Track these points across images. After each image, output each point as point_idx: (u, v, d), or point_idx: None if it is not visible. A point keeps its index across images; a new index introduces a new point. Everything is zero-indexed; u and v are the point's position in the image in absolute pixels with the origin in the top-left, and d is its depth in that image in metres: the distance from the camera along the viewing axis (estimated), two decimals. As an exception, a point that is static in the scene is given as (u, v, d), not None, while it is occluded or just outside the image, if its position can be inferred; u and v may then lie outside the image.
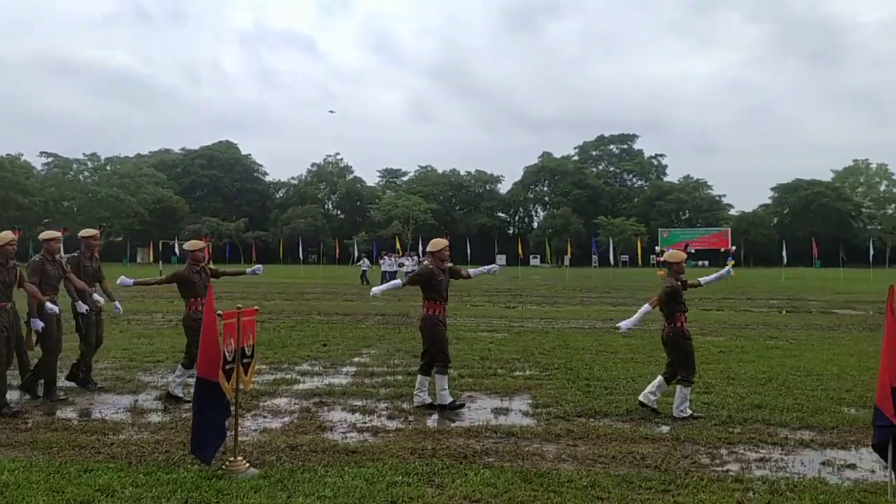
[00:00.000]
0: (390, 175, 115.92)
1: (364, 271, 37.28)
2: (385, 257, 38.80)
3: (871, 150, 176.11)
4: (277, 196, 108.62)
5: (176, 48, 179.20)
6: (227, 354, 5.37)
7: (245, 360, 5.60)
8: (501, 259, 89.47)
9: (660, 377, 7.45)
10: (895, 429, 4.72)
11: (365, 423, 6.97)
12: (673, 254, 7.61)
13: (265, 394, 8.23)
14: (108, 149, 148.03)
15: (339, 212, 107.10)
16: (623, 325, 7.56)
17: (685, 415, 7.11)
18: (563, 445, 6.17)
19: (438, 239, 8.06)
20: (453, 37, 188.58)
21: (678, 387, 7.24)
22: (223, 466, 5.33)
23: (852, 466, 5.62)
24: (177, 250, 55.50)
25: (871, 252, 53.89)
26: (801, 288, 34.68)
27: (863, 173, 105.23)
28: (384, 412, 7.40)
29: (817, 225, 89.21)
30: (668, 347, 7.44)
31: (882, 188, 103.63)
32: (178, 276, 8.15)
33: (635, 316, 7.48)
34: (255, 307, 5.93)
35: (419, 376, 7.77)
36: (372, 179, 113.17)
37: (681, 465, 5.61)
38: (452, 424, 6.95)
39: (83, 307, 8.27)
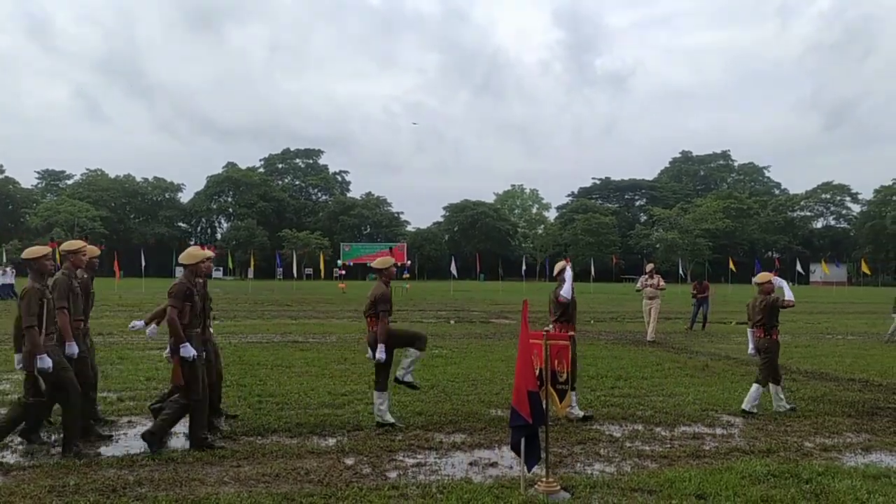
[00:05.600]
0: (52, 177, 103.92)
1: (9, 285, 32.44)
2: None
3: (525, 176, 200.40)
4: None
5: None
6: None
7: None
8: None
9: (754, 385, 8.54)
10: (530, 427, 5.33)
11: (-5, 461, 6.07)
12: (763, 275, 8.72)
13: None
14: None
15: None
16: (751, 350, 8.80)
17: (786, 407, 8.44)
18: (226, 467, 5.95)
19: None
20: (121, 28, 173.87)
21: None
22: None
23: (494, 464, 6.21)
24: None
25: (524, 267, 61.53)
26: (467, 299, 37.97)
27: (518, 196, 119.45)
28: (20, 446, 6.51)
29: (482, 241, 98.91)
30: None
31: (534, 210, 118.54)
32: None
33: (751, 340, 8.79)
34: None
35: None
36: (29, 181, 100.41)
37: (343, 476, 5.74)
38: (104, 455, 6.35)
39: None
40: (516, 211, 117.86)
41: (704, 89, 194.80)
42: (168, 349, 6.79)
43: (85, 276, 7.35)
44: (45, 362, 6.08)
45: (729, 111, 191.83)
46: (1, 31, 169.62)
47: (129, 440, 6.91)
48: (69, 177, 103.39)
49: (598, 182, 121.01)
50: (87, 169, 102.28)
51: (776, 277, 8.73)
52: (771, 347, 8.57)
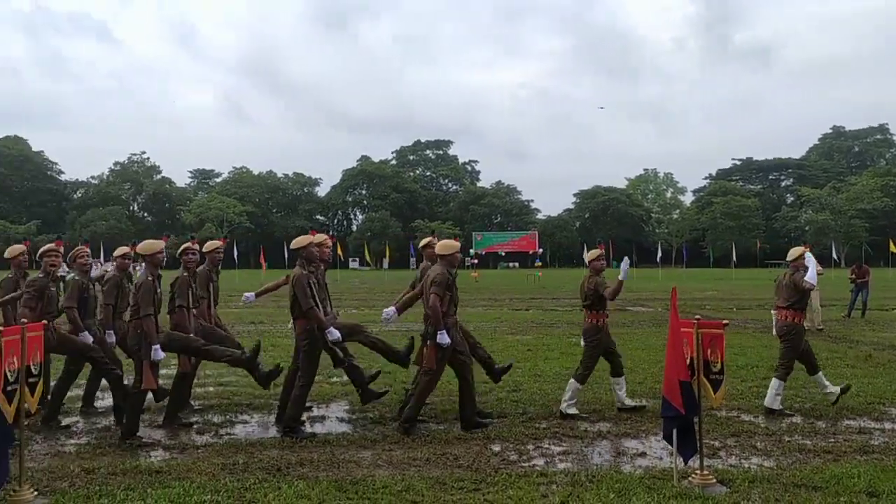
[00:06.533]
0: (202, 176, 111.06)
1: None
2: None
3: (658, 160, 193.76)
4: (75, 197, 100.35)
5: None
6: (8, 375, 4.87)
7: (31, 380, 5.11)
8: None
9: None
10: (683, 418, 5.20)
11: (171, 439, 6.60)
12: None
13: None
14: None
15: (145, 214, 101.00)
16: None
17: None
18: (378, 451, 6.19)
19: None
20: (260, 31, 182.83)
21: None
22: (6, 497, 4.82)
23: (644, 455, 6.10)
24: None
25: (660, 253, 59.53)
26: (601, 287, 37.28)
27: (652, 181, 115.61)
28: (193, 426, 7.04)
29: (614, 228, 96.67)
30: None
31: (668, 195, 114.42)
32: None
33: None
34: (43, 322, 5.42)
35: None
36: (182, 180, 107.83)
37: (491, 463, 5.83)
38: (267, 436, 6.76)
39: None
40: (649, 196, 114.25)
41: (858, 59, 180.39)
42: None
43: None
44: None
45: (886, 81, 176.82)
46: (153, 43, 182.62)
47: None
48: (218, 175, 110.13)
49: (738, 163, 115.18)
50: (234, 167, 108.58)
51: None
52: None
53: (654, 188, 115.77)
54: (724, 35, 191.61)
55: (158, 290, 6.72)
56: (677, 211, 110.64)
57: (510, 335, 14.02)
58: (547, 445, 6.38)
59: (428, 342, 6.84)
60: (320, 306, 7.11)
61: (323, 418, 7.48)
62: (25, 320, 5.67)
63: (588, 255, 8.00)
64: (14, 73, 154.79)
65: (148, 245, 6.87)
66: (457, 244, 7.24)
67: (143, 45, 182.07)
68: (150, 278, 6.59)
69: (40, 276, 6.90)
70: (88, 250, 7.82)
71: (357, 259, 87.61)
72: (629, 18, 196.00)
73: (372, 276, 58.55)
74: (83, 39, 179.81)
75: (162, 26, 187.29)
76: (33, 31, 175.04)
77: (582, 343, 7.82)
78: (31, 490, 4.96)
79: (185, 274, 7.33)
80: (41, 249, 6.98)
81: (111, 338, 7.50)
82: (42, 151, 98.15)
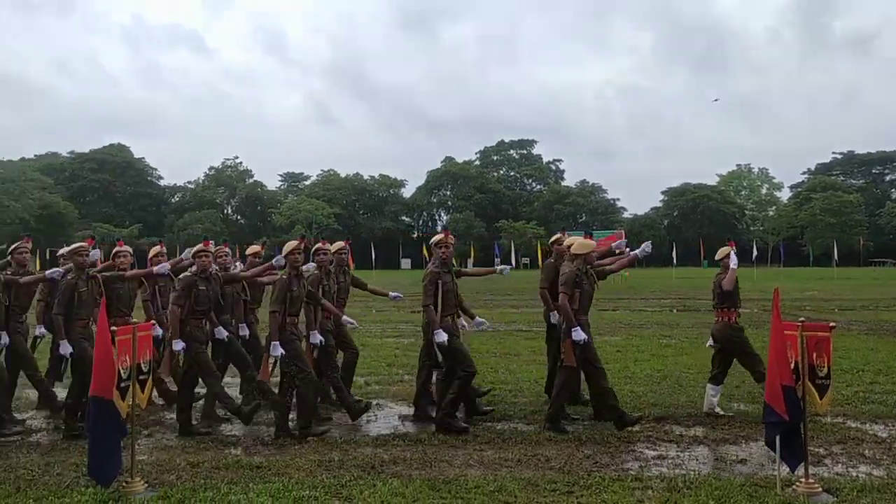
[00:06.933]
0: (292, 179, 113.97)
1: None
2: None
3: (752, 155, 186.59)
4: (173, 201, 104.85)
5: (48, 42, 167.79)
6: (122, 372, 5.15)
7: (141, 378, 5.39)
8: (406, 262, 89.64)
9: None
10: (786, 424, 5.02)
11: (269, 436, 6.82)
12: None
13: (163, 409, 7.92)
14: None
15: (238, 217, 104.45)
16: None
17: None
18: (469, 451, 6.22)
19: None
20: (346, 36, 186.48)
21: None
22: (119, 488, 5.10)
23: (743, 461, 5.91)
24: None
25: (755, 252, 57.29)
26: (691, 287, 36.27)
27: (745, 177, 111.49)
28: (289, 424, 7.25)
29: (704, 226, 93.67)
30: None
31: (763, 191, 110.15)
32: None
33: None
34: (152, 322, 5.71)
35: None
36: (273, 183, 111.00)
37: (583, 465, 5.77)
38: (359, 434, 6.90)
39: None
40: (743, 192, 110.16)
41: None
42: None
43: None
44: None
45: None
46: (246, 51, 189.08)
47: (379, 422, 7.44)
48: (307, 178, 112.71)
49: (839, 157, 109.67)
50: (322, 170, 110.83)
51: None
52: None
53: (748, 184, 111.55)
54: (821, 24, 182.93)
55: (294, 289, 6.91)
56: (773, 208, 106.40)
57: (597, 336, 13.80)
58: (641, 449, 6.26)
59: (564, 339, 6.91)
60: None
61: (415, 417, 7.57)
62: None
63: (718, 253, 7.85)
64: (115, 83, 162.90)
65: (286, 245, 7.22)
66: (592, 243, 7.20)
67: (233, 53, 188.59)
68: (286, 277, 6.90)
69: (189, 274, 7.12)
70: (228, 250, 8.19)
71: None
72: (719, 10, 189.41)
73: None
74: (177, 49, 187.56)
75: (252, 34, 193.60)
76: (132, 42, 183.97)
77: (710, 344, 7.69)
78: (142, 482, 5.22)
79: (317, 272, 7.57)
80: (193, 249, 7.30)
81: (244, 331, 7.88)
82: (143, 158, 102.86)
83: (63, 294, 6.88)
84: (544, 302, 8.00)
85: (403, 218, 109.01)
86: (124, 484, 5.13)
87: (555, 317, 7.60)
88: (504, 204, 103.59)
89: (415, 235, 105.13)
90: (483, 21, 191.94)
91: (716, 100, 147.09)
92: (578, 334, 6.73)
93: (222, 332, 7.32)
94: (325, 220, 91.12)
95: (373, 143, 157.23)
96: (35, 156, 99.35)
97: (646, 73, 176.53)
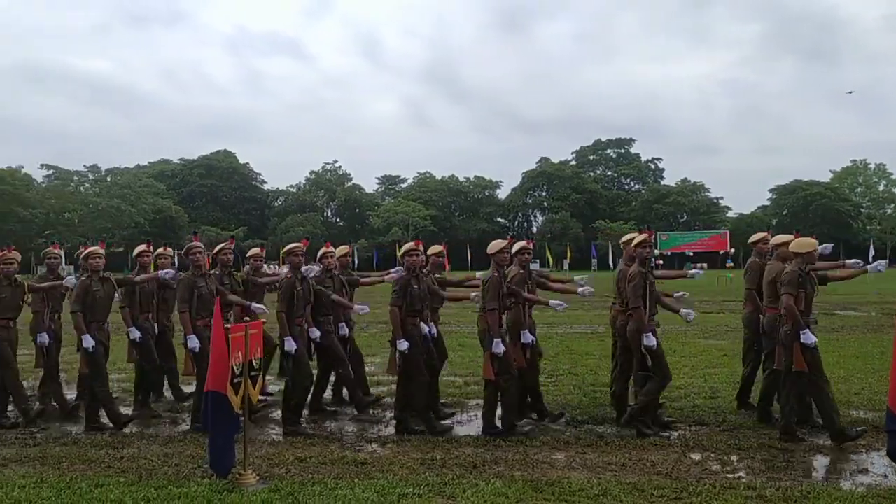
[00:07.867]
0: (389, 182, 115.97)
1: None
2: None
3: (868, 149, 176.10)
4: (276, 204, 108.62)
5: (154, 53, 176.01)
6: (234, 368, 5.37)
7: (252, 374, 5.60)
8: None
9: None
10: (911, 431, 4.71)
11: (373, 433, 6.96)
12: None
13: (272, 405, 8.21)
14: (90, 158, 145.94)
15: (338, 219, 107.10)
16: None
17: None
18: (572, 453, 6.16)
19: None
20: (440, 39, 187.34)
21: None
22: (233, 480, 5.32)
23: (864, 471, 5.60)
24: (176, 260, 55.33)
25: (872, 252, 54.04)
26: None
27: (861, 173, 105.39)
28: (392, 422, 7.36)
29: (817, 225, 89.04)
30: None
31: (881, 188, 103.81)
32: None
33: None
34: (263, 320, 5.93)
35: None
36: (370, 186, 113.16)
37: (692, 471, 5.60)
38: (461, 434, 6.94)
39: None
40: (858, 189, 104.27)
41: None
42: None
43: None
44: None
45: None
46: (343, 56, 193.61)
47: (479, 421, 7.45)
48: (403, 180, 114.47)
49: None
50: (418, 172, 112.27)
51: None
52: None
53: (864, 181, 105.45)
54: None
55: (504, 286, 6.99)
56: (891, 205, 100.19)
57: (702, 339, 13.39)
58: (752, 455, 6.02)
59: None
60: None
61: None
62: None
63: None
64: (220, 91, 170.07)
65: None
66: (814, 242, 6.85)
67: (330, 58, 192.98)
68: (496, 275, 6.98)
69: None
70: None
71: (538, 261, 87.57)
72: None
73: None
74: (278, 56, 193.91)
75: (348, 40, 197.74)
76: (235, 51, 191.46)
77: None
78: (254, 475, 5.43)
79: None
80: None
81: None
82: (247, 163, 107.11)
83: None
84: (751, 304, 7.69)
85: (499, 219, 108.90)
86: (237, 476, 5.35)
87: (764, 320, 7.23)
88: (601, 204, 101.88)
89: (510, 237, 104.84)
90: (576, 18, 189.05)
91: (850, 92, 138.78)
92: (808, 338, 6.40)
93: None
94: (421, 221, 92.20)
95: (468, 145, 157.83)
96: (148, 163, 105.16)
97: (749, 66, 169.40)
